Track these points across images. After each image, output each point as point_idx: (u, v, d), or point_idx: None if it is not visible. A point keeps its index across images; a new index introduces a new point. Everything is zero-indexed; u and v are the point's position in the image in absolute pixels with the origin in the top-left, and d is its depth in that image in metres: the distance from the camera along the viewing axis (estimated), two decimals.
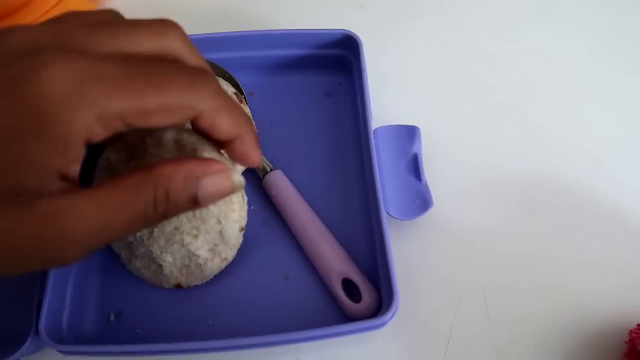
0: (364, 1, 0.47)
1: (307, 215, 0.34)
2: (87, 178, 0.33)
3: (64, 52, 0.19)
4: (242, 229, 0.33)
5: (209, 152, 0.32)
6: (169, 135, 0.30)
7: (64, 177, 0.20)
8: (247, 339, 0.28)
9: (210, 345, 0.29)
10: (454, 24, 0.46)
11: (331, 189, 0.37)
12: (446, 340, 0.33)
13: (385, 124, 0.37)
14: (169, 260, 0.32)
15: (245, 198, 0.34)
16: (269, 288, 0.34)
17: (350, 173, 0.37)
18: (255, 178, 0.37)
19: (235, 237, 0.33)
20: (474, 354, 0.33)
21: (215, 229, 0.32)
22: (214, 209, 0.32)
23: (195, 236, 0.31)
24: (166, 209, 0.22)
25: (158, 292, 0.34)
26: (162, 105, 0.20)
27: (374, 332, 0.33)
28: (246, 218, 0.34)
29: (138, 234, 0.31)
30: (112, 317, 0.33)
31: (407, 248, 0.35)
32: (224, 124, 0.23)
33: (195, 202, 0.22)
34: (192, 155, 0.31)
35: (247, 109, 0.38)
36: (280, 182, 0.36)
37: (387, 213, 0.33)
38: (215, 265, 0.33)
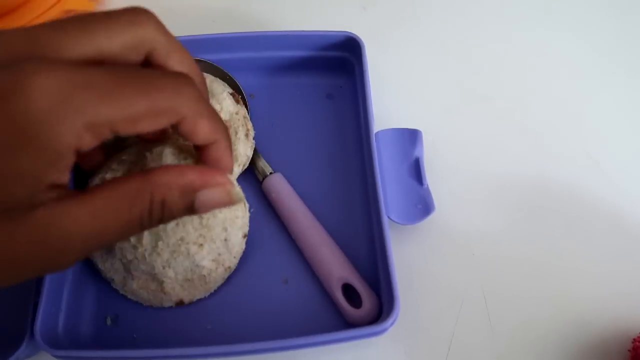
0: (366, 3, 0.47)
1: (307, 219, 0.34)
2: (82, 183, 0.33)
3: (45, 62, 0.19)
4: (244, 236, 0.33)
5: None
6: (168, 150, 0.31)
7: (55, 186, 0.20)
8: (245, 345, 0.28)
9: (208, 351, 0.28)
10: (457, 27, 0.46)
11: (332, 193, 0.36)
12: (447, 347, 0.33)
13: (387, 127, 0.37)
14: (171, 276, 0.31)
15: (247, 205, 0.34)
16: (268, 292, 0.33)
17: (351, 176, 0.37)
18: (254, 181, 0.37)
19: (238, 245, 0.33)
20: None
21: (221, 236, 0.31)
22: (220, 215, 0.31)
23: (201, 245, 0.31)
24: (161, 217, 0.22)
25: None
26: (149, 111, 0.21)
27: (374, 338, 0.32)
28: (248, 225, 0.34)
29: (140, 250, 0.30)
30: (108, 321, 0.33)
31: (408, 253, 0.35)
32: (204, 129, 0.24)
33: (191, 210, 0.23)
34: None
35: (246, 110, 0.37)
36: (280, 186, 0.35)
37: (388, 217, 0.33)
38: (219, 275, 0.32)
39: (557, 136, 0.40)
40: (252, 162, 0.36)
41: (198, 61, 0.39)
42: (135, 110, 0.20)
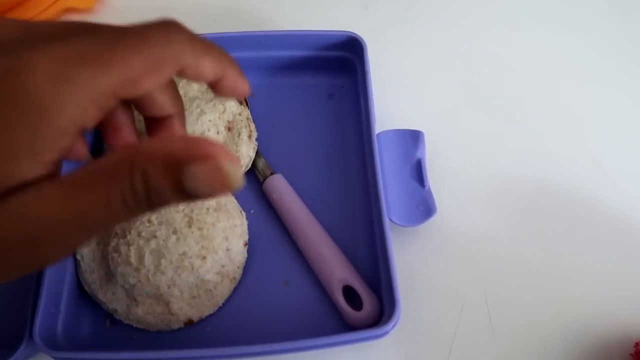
0: (368, 2, 0.46)
1: (308, 221, 0.34)
2: None
3: (40, 42, 0.18)
4: (245, 244, 0.33)
5: None
6: None
7: (50, 166, 0.19)
8: (244, 347, 0.28)
9: (207, 354, 0.28)
10: (459, 27, 0.45)
11: (333, 194, 0.36)
12: (448, 350, 0.32)
13: (388, 128, 0.36)
14: (177, 295, 0.31)
15: (244, 213, 0.34)
16: (269, 294, 0.33)
17: (353, 178, 0.37)
18: (255, 182, 0.36)
19: (240, 254, 0.33)
20: None
21: (223, 246, 0.31)
22: (218, 225, 0.31)
23: (204, 258, 0.30)
24: (148, 196, 0.18)
25: None
26: (147, 67, 0.20)
27: (375, 341, 0.32)
28: (248, 233, 0.33)
29: (143, 272, 0.30)
30: (107, 323, 0.32)
31: (409, 255, 0.35)
32: (207, 66, 0.22)
33: (182, 192, 0.18)
34: None
35: (249, 111, 0.37)
36: (280, 187, 0.35)
37: (390, 219, 0.33)
38: (225, 288, 0.32)
39: (559, 137, 0.40)
40: (253, 163, 0.36)
41: None
42: (133, 71, 0.19)
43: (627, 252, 0.36)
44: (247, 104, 0.38)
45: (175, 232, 0.30)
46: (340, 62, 0.39)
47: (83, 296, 0.33)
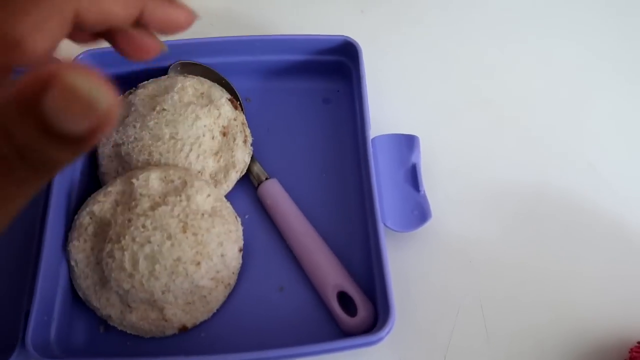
0: (364, 6, 0.46)
1: (302, 226, 0.34)
2: None
3: None
4: (240, 250, 0.33)
5: (198, 181, 0.32)
6: (154, 175, 0.31)
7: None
8: (238, 354, 0.28)
9: None
10: (455, 31, 0.45)
11: (328, 199, 0.36)
12: (443, 355, 0.32)
13: (384, 132, 0.36)
14: (171, 301, 0.30)
15: (239, 219, 0.34)
16: (263, 300, 0.33)
17: (348, 183, 0.37)
18: (250, 187, 0.36)
19: (235, 260, 0.33)
20: None
21: (217, 252, 0.31)
22: (213, 230, 0.31)
23: (199, 264, 0.30)
24: (22, 156, 0.15)
25: None
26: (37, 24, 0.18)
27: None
28: (242, 239, 0.33)
29: (137, 277, 0.30)
30: (101, 329, 0.32)
31: (404, 260, 0.35)
32: (109, 2, 0.20)
33: (58, 136, 0.14)
34: (182, 187, 0.31)
35: (244, 117, 0.37)
36: (275, 192, 0.35)
37: (384, 225, 0.33)
38: (219, 294, 0.32)
39: (554, 141, 0.40)
40: (248, 168, 0.36)
41: (194, 65, 0.38)
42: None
43: (622, 256, 0.36)
44: (242, 109, 0.38)
45: (169, 237, 0.30)
46: (335, 67, 0.39)
47: (77, 302, 0.33)
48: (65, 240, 0.32)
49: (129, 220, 0.30)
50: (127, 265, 0.30)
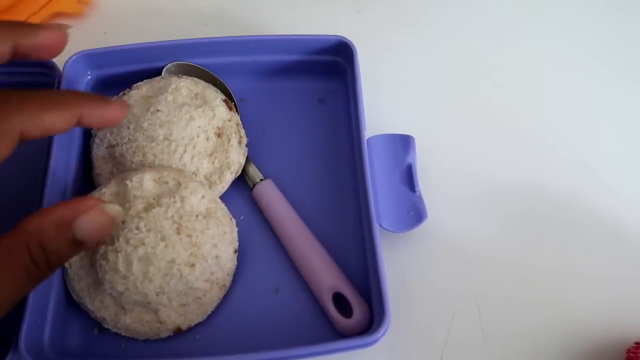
0: (360, 6, 0.46)
1: (298, 228, 0.34)
2: None
3: None
4: (235, 251, 0.33)
5: (192, 183, 0.32)
6: (148, 177, 0.31)
7: None
8: (233, 356, 0.27)
9: None
10: (451, 31, 0.45)
11: (323, 200, 0.36)
12: (439, 356, 0.32)
13: (379, 133, 0.36)
14: (166, 303, 0.30)
15: (234, 220, 0.34)
16: (258, 301, 0.33)
17: (343, 183, 0.36)
18: (245, 188, 0.36)
19: (230, 261, 0.32)
20: None
21: (212, 254, 0.31)
22: (207, 232, 0.31)
23: (193, 265, 0.30)
24: (48, 262, 0.21)
25: None
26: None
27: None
28: (238, 240, 0.33)
29: (131, 279, 0.29)
30: (96, 331, 0.32)
31: (400, 261, 0.35)
32: (49, 120, 0.23)
33: (78, 244, 0.22)
34: (176, 189, 0.31)
35: (238, 117, 0.37)
36: (270, 193, 0.35)
37: (380, 225, 0.32)
38: (214, 295, 0.32)
39: (551, 141, 0.40)
40: (243, 169, 0.36)
41: (188, 65, 0.38)
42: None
43: (620, 256, 0.35)
44: (237, 110, 0.38)
45: (163, 239, 0.30)
46: (330, 67, 0.39)
47: (71, 304, 0.32)
48: None
49: (123, 222, 0.30)
50: (121, 267, 0.29)
